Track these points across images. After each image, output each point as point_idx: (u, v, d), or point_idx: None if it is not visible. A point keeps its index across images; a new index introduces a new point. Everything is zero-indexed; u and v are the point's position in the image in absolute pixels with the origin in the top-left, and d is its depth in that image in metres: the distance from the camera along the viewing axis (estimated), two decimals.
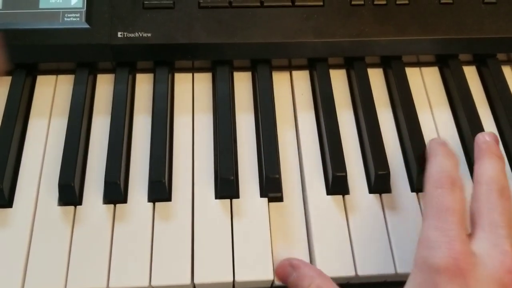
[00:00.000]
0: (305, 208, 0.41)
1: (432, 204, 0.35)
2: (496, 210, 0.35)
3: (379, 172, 0.41)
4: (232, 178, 0.40)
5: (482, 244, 0.33)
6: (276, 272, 0.38)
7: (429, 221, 0.34)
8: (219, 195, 0.41)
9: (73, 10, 0.46)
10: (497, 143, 0.40)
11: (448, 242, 0.32)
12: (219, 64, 0.47)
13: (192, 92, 0.47)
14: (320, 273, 0.36)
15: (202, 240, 0.39)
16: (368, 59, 0.48)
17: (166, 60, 0.47)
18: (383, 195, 0.42)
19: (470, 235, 0.35)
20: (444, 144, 0.40)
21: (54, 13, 0.46)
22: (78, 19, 0.46)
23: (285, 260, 0.38)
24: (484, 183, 0.36)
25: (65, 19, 0.46)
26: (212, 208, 0.40)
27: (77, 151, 0.41)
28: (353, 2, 0.46)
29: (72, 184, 0.40)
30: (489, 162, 0.38)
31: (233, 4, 0.46)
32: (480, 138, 0.40)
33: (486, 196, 0.36)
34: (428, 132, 0.44)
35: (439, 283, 0.31)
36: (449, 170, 0.36)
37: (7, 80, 0.46)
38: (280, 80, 0.47)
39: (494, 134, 0.41)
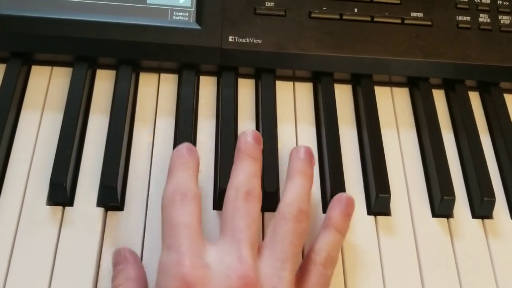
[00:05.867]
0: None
1: (165, 224, 0.34)
2: (238, 214, 0.34)
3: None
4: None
5: (220, 253, 0.33)
6: (113, 256, 0.37)
7: (163, 244, 0.33)
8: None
9: (181, 9, 0.46)
10: (259, 144, 0.39)
11: (177, 259, 0.31)
12: (323, 75, 0.47)
13: (294, 100, 0.47)
14: (139, 278, 0.35)
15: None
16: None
17: (270, 68, 0.46)
18: None
19: (212, 245, 0.34)
20: (180, 155, 0.37)
21: (162, 10, 0.45)
22: (186, 18, 0.45)
23: (123, 248, 0.37)
24: (233, 187, 0.36)
25: (174, 17, 0.45)
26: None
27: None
28: (460, 25, 0.47)
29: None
30: (241, 165, 0.37)
31: (344, 17, 0.46)
32: (241, 138, 0.39)
33: (232, 201, 0.35)
34: None
35: None
36: (180, 184, 0.35)
37: (111, 74, 0.45)
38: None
39: (257, 134, 0.39)
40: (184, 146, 0.38)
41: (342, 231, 0.38)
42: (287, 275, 0.33)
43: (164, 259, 0.32)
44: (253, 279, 0.31)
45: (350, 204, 0.38)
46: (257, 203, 0.36)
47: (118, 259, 0.36)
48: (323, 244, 0.36)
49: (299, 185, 0.37)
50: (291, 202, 0.36)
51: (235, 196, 0.35)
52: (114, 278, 0.36)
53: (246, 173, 0.36)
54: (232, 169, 0.38)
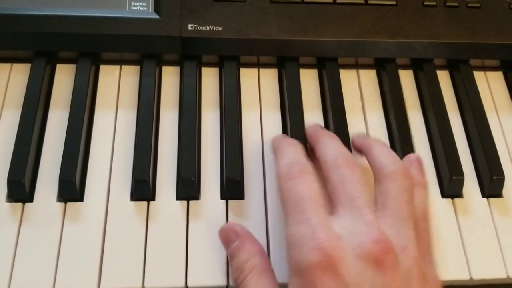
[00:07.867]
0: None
1: (288, 198, 0.33)
2: (347, 181, 0.34)
3: None
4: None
5: (345, 222, 0.32)
6: (219, 235, 0.37)
7: (289, 218, 0.33)
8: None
9: None
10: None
11: (311, 233, 0.31)
12: (287, 60, 0.46)
13: (259, 87, 0.46)
14: (261, 251, 0.35)
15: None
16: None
17: (232, 55, 0.45)
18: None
19: (333, 216, 0.33)
20: (284, 136, 0.40)
21: (120, 0, 0.44)
22: (145, 8, 0.45)
23: (230, 224, 0.37)
24: (329, 160, 0.36)
25: (132, 7, 0.45)
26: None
27: (150, 145, 0.40)
28: (425, 3, 0.46)
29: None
30: (324, 141, 0.38)
31: (305, 0, 0.45)
32: (308, 129, 0.41)
33: (334, 171, 0.35)
34: (497, 137, 0.44)
35: (315, 280, 0.29)
36: (295, 159, 0.35)
37: (70, 68, 0.44)
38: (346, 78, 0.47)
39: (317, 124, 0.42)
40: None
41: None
42: (412, 233, 0.32)
43: (295, 234, 0.31)
44: (388, 241, 0.31)
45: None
46: (358, 168, 0.35)
47: (229, 236, 0.36)
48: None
49: (385, 148, 0.37)
50: (389, 161, 0.35)
51: (334, 166, 0.35)
52: (233, 256, 0.35)
53: (333, 145, 0.37)
54: (316, 150, 0.38)
